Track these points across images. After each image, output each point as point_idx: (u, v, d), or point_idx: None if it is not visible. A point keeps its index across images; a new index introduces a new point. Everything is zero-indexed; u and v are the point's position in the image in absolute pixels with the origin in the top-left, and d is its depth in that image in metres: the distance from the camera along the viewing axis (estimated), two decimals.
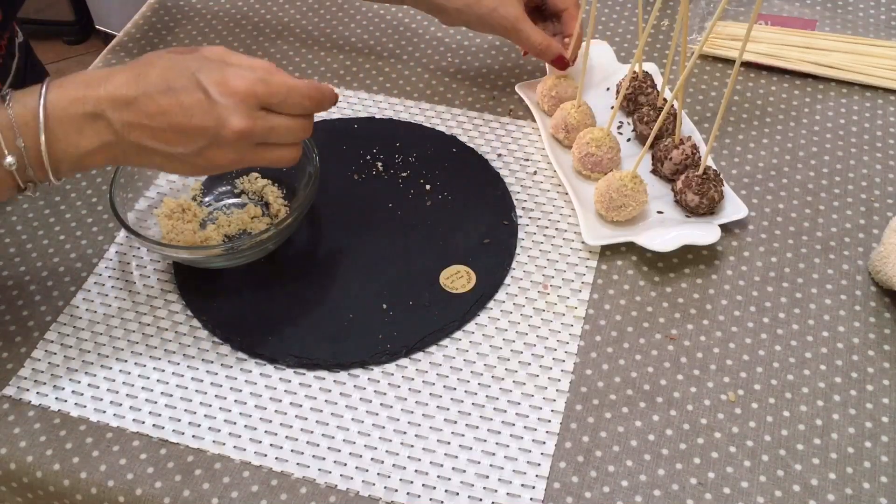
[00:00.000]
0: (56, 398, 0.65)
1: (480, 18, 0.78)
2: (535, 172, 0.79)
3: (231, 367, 0.66)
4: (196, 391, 0.65)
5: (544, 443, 0.61)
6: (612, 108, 0.75)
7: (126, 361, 0.67)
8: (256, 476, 0.60)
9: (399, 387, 0.64)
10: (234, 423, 0.63)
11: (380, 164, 0.80)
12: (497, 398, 0.63)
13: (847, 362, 0.65)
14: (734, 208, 0.73)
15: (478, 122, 0.84)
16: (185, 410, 0.64)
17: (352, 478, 0.60)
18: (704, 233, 0.70)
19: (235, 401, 0.64)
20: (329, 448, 0.61)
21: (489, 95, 0.87)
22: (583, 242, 0.72)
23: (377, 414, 0.63)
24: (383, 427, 0.62)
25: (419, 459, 0.60)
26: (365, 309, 0.69)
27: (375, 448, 0.61)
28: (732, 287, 0.70)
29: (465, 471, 0.60)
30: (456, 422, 0.62)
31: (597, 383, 0.64)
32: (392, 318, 0.68)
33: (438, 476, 0.60)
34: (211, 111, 0.56)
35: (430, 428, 0.62)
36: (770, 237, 0.73)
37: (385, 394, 0.64)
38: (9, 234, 0.76)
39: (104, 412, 0.64)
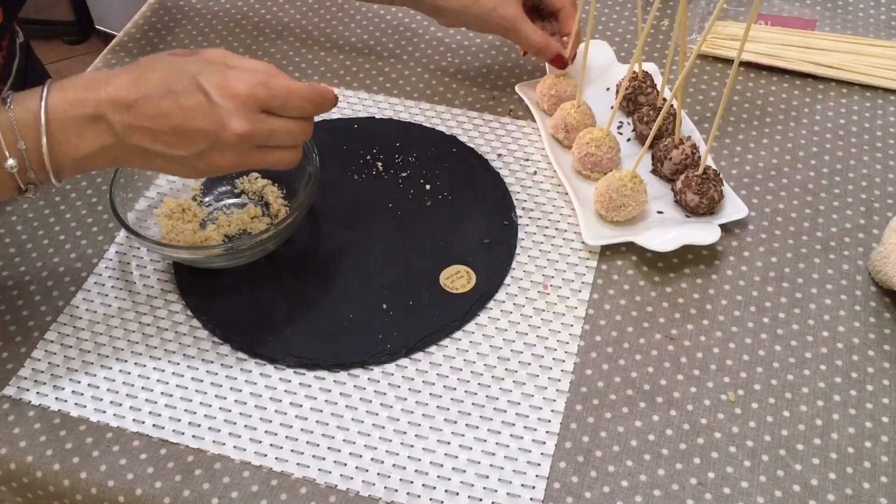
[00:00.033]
0: (56, 398, 0.65)
1: (479, 18, 0.78)
2: (535, 172, 0.79)
3: (231, 367, 0.66)
4: (196, 391, 0.65)
5: (544, 443, 0.61)
6: (612, 108, 0.75)
7: (126, 361, 0.67)
8: (256, 476, 0.60)
9: (399, 387, 0.64)
10: (234, 423, 0.63)
11: (380, 164, 0.80)
12: (497, 398, 0.63)
13: (847, 362, 0.65)
14: (734, 208, 0.73)
15: (478, 122, 0.84)
16: (185, 410, 0.64)
17: (352, 478, 0.60)
18: (704, 233, 0.70)
19: (235, 401, 0.64)
20: (329, 448, 0.61)
21: (489, 95, 0.87)
22: (583, 242, 0.72)
23: (377, 414, 0.63)
24: (383, 427, 0.62)
25: (419, 459, 0.60)
26: (365, 309, 0.69)
27: (375, 448, 0.61)
28: (732, 287, 0.70)
29: (465, 471, 0.60)
30: (456, 422, 0.62)
31: (597, 383, 0.64)
32: (392, 318, 0.68)
33: (438, 476, 0.60)
34: (212, 114, 0.56)
35: (430, 428, 0.62)
36: (770, 237, 0.73)
37: (385, 394, 0.64)
38: (9, 234, 0.76)
39: (104, 412, 0.64)
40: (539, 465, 0.60)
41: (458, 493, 0.59)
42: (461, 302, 0.69)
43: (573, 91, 0.80)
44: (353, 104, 0.86)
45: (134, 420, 0.63)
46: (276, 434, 0.62)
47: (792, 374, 0.64)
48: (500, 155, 0.81)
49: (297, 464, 0.60)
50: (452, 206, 0.76)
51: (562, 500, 0.58)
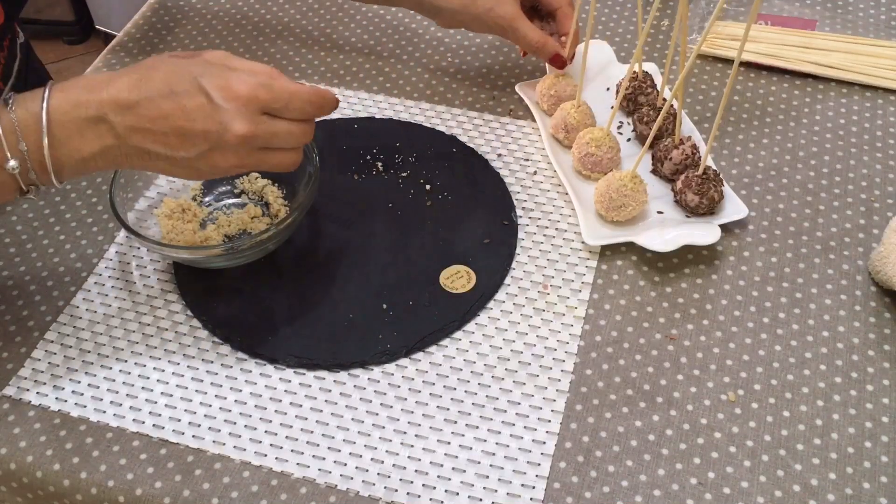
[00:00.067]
0: (56, 398, 0.65)
1: (477, 18, 0.78)
2: (535, 172, 0.79)
3: (231, 367, 0.66)
4: (196, 391, 0.65)
5: (544, 443, 0.61)
6: (612, 107, 0.75)
7: (126, 361, 0.67)
8: (256, 476, 0.60)
9: (399, 387, 0.64)
10: (234, 423, 0.63)
11: (380, 164, 0.80)
12: (497, 398, 0.63)
13: (847, 362, 0.65)
14: (734, 208, 0.73)
15: (478, 122, 0.84)
16: (185, 410, 0.64)
17: (352, 478, 0.60)
18: (704, 233, 0.70)
19: (235, 401, 0.64)
20: (329, 448, 0.61)
21: (489, 95, 0.87)
22: (583, 242, 0.72)
23: (377, 414, 0.63)
24: (383, 427, 0.62)
25: (419, 459, 0.60)
26: (365, 309, 0.69)
27: (375, 448, 0.61)
28: (732, 287, 0.70)
29: (465, 471, 0.60)
30: (456, 422, 0.62)
31: (597, 383, 0.64)
32: (392, 318, 0.68)
33: (438, 476, 0.60)
34: (213, 115, 0.56)
35: (430, 428, 0.62)
36: (770, 237, 0.73)
37: (385, 394, 0.64)
38: (9, 234, 0.76)
39: (104, 412, 0.64)
40: (539, 465, 0.60)
41: (458, 493, 0.59)
42: (461, 302, 0.69)
43: (572, 91, 0.80)
44: (353, 104, 0.86)
45: (134, 420, 0.63)
46: (276, 434, 0.62)
47: (792, 374, 0.64)
48: (500, 155, 0.81)
49: (297, 464, 0.60)
50: (452, 206, 0.76)
51: (562, 500, 0.58)
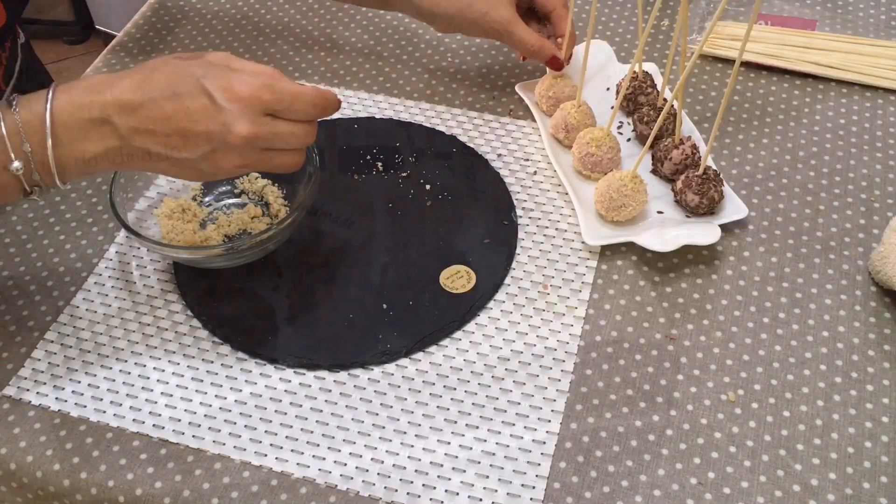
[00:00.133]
0: (56, 398, 0.65)
1: (473, 23, 0.79)
2: (535, 172, 0.79)
3: (231, 367, 0.66)
4: (196, 391, 0.65)
5: (544, 443, 0.61)
6: (612, 108, 0.75)
7: (126, 361, 0.67)
8: (256, 476, 0.60)
9: (399, 387, 0.64)
10: (234, 423, 0.63)
11: (380, 163, 0.80)
12: (497, 398, 0.63)
13: (847, 362, 0.65)
14: (734, 208, 0.73)
15: (478, 122, 0.84)
16: (185, 410, 0.64)
17: (352, 478, 0.60)
18: (704, 233, 0.70)
19: (235, 401, 0.64)
20: (329, 448, 0.61)
21: (489, 95, 0.87)
22: (583, 242, 0.72)
23: (377, 414, 0.63)
24: (383, 427, 0.62)
25: (419, 459, 0.60)
26: (365, 309, 0.69)
27: (375, 448, 0.61)
28: (732, 287, 0.70)
29: (465, 471, 0.60)
30: (456, 422, 0.62)
31: (597, 383, 0.64)
32: (392, 318, 0.68)
33: (438, 476, 0.60)
34: (216, 116, 0.56)
35: (430, 428, 0.62)
36: (770, 237, 0.73)
37: (385, 394, 0.64)
38: (9, 234, 0.76)
39: (104, 412, 0.64)
40: (539, 465, 0.60)
41: (458, 493, 0.59)
42: (461, 302, 0.69)
43: (571, 92, 0.80)
44: (353, 104, 0.86)
45: (134, 420, 0.63)
46: (276, 434, 0.62)
47: (792, 374, 0.64)
48: (500, 155, 0.81)
49: (297, 464, 0.60)
50: (452, 206, 0.76)
51: (562, 500, 0.58)
